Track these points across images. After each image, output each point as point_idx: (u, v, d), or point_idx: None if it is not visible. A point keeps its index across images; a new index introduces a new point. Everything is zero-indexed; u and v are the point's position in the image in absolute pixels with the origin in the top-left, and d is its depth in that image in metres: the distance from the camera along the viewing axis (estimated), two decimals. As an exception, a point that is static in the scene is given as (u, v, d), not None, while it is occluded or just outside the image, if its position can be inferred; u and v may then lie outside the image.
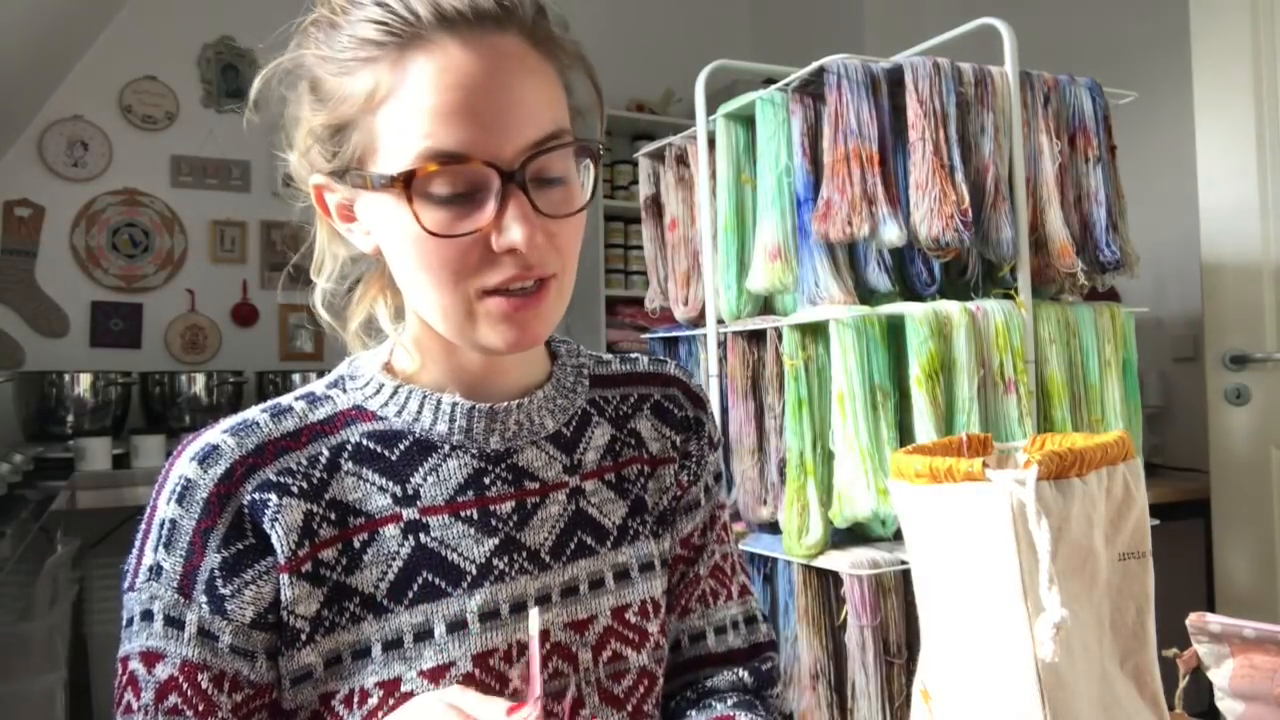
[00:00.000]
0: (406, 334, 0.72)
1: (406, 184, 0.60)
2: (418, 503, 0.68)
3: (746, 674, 0.82)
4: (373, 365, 0.73)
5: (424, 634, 0.65)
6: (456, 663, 0.65)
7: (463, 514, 0.69)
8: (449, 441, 0.70)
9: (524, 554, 0.70)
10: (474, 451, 0.70)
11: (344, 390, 0.72)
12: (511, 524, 0.70)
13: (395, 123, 0.61)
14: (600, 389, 0.80)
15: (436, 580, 0.67)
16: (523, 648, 0.68)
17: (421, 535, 0.67)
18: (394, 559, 0.66)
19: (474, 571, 0.68)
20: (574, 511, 0.73)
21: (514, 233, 0.61)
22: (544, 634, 0.69)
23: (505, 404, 0.71)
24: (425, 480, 0.69)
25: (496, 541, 0.69)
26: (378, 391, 0.71)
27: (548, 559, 0.71)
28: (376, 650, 0.65)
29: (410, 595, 0.66)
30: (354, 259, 0.73)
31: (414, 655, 0.65)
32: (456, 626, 0.66)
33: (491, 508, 0.70)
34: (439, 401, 0.70)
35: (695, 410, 0.85)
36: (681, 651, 0.84)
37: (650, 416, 0.82)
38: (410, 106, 0.60)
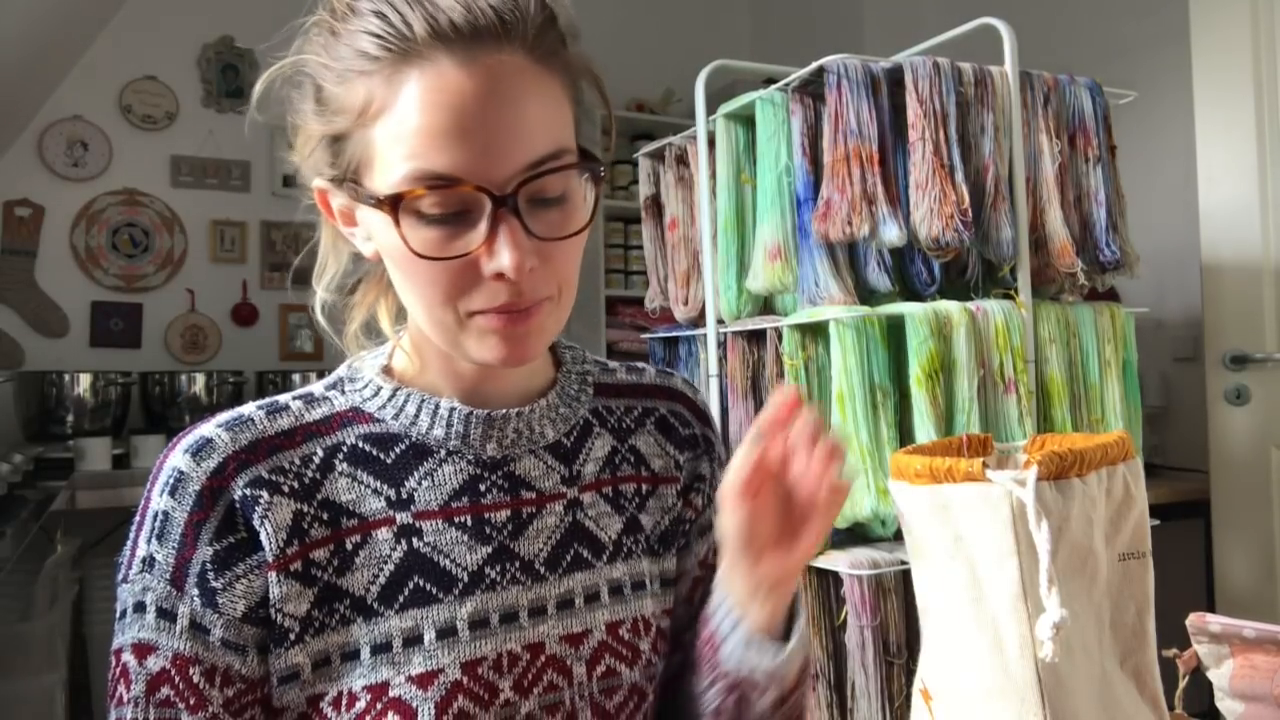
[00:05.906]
0: (406, 337, 0.72)
1: (394, 206, 0.60)
2: (412, 507, 0.68)
3: None
4: (372, 367, 0.72)
5: (413, 639, 0.65)
6: (445, 669, 0.65)
7: (456, 520, 0.68)
8: (445, 446, 0.69)
9: (517, 564, 0.69)
10: (470, 458, 0.70)
11: (342, 392, 0.71)
12: (506, 533, 0.70)
13: (389, 139, 0.60)
14: (604, 398, 0.79)
15: (428, 586, 0.67)
16: (513, 658, 0.68)
17: (414, 540, 0.67)
18: (385, 562, 0.66)
19: (465, 579, 0.67)
20: (571, 523, 0.73)
21: (503, 258, 0.60)
22: (539, 646, 0.69)
23: (504, 411, 0.70)
24: (420, 485, 0.68)
25: (490, 550, 0.69)
26: (376, 394, 0.71)
27: (543, 570, 0.70)
28: (365, 653, 0.65)
29: (401, 599, 0.66)
30: (356, 260, 0.73)
31: (402, 660, 0.65)
32: (446, 633, 0.66)
33: (486, 515, 0.69)
34: (437, 405, 0.70)
35: (703, 428, 0.83)
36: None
37: (654, 432, 0.80)
38: (403, 124, 0.59)
